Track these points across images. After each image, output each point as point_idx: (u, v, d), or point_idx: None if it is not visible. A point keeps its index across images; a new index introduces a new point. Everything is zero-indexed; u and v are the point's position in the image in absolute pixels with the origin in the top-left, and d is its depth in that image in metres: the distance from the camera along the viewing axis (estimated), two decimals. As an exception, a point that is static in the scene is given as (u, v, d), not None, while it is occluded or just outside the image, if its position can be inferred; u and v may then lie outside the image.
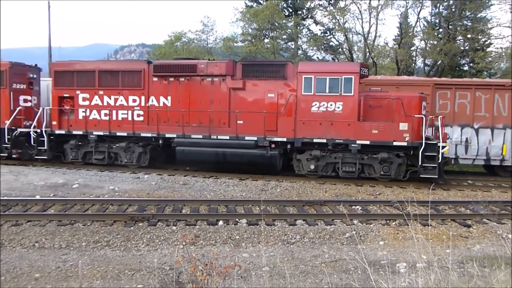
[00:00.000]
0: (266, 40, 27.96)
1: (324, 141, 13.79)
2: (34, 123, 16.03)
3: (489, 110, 15.22)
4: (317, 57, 29.20)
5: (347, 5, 27.18)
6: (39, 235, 8.20)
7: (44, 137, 15.89)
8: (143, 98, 15.50)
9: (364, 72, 13.89)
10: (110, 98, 15.72)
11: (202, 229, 8.59)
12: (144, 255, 7.40)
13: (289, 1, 28.96)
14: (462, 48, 26.48)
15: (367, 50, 26.66)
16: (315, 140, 13.84)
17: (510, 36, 29.54)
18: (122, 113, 15.67)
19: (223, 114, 14.85)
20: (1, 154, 16.44)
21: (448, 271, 4.14)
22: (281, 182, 13.70)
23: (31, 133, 15.95)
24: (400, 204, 10.00)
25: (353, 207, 10.55)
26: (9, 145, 16.33)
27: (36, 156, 16.13)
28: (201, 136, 14.83)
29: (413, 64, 27.57)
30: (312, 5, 29.21)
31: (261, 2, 29.27)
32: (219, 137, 14.68)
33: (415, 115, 13.18)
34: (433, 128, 14.16)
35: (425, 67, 27.69)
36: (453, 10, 26.69)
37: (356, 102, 13.40)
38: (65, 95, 16.11)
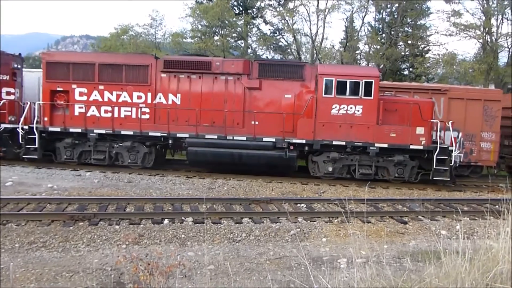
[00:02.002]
0: (216, 38, 27.80)
1: (344, 143, 13.85)
2: (22, 118, 14.41)
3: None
4: (266, 56, 29.48)
5: (296, 6, 27.74)
6: (-33, 236, 7.62)
7: (34, 135, 14.35)
8: (149, 95, 14.61)
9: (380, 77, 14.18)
10: (111, 94, 14.62)
11: (147, 228, 8.39)
12: (84, 256, 7.09)
13: (240, 0, 29.01)
14: (403, 53, 27.93)
15: (315, 51, 27.35)
16: (334, 142, 13.85)
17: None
18: (125, 110, 14.62)
19: (237, 114, 14.41)
20: None
21: (385, 266, 4.35)
22: (228, 180, 13.70)
23: (19, 129, 14.32)
24: (340, 202, 10.35)
25: (298, 205, 10.78)
26: None
27: (24, 155, 14.56)
28: (216, 137, 14.23)
29: (358, 67, 28.60)
30: (262, 5, 29.47)
31: (212, -2, 29.07)
32: (235, 137, 14.16)
33: (430, 120, 13.74)
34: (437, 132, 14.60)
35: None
36: (395, 16, 28.05)
37: (376, 106, 13.64)
38: (58, 88, 14.74)
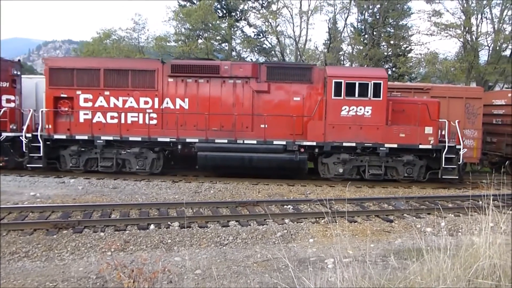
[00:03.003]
0: (200, 41, 27.73)
1: (354, 144, 13.89)
2: (25, 126, 14.05)
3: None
4: (251, 59, 29.53)
5: (279, 8, 27.84)
6: None
7: (38, 143, 14.02)
8: (156, 100, 14.39)
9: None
10: (117, 100, 14.36)
11: (133, 234, 8.30)
12: (68, 264, 6.97)
13: (223, 2, 29.00)
14: (385, 53, 28.25)
15: (299, 53, 27.48)
16: (344, 144, 13.88)
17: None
18: (132, 116, 14.38)
19: (246, 117, 14.33)
20: None
21: (370, 265, 4.37)
22: (214, 183, 13.65)
23: (22, 138, 13.97)
24: (327, 203, 10.38)
25: (285, 206, 10.79)
26: None
27: (28, 164, 14.18)
28: (226, 141, 14.11)
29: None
30: (246, 8, 29.51)
31: (195, 1, 28.99)
32: (245, 141, 14.07)
33: (438, 120, 13.88)
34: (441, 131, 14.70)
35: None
36: (378, 17, 28.38)
37: (385, 107, 13.74)
38: (62, 95, 14.42)
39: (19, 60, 16.20)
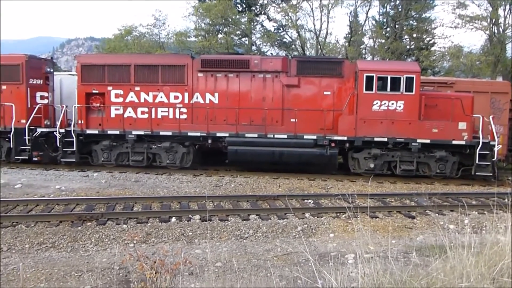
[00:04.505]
0: (219, 36, 27.79)
1: (385, 139, 13.76)
2: (59, 122, 14.55)
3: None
4: (271, 53, 29.44)
5: (299, 2, 27.60)
6: (-23, 238, 7.73)
7: (71, 138, 14.47)
8: (186, 94, 14.57)
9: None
10: (148, 95, 14.62)
11: (154, 226, 8.45)
12: (92, 255, 7.16)
13: (243, -3, 28.98)
14: (408, 47, 27.71)
15: (319, 47, 27.23)
16: (376, 139, 13.77)
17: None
18: (162, 111, 14.60)
19: (276, 111, 14.34)
20: (20, 157, 14.82)
21: (392, 261, 4.33)
22: (235, 177, 13.73)
23: (56, 133, 14.42)
24: (347, 198, 10.30)
25: (305, 201, 10.77)
26: (28, 147, 14.68)
27: (62, 159, 14.65)
28: (256, 135, 14.17)
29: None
30: (265, 1, 29.38)
31: (214, -4, 29.05)
32: (275, 135, 14.11)
33: (472, 115, 13.60)
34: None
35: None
36: (400, 10, 27.83)
37: (417, 101, 13.55)
38: (94, 91, 14.76)
39: (51, 58, 16.72)
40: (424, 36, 28.05)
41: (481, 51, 25.47)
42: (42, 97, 15.65)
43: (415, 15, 27.73)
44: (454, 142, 13.71)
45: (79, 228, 8.27)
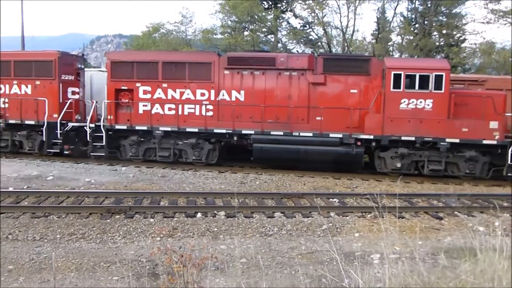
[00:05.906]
0: (245, 33, 27.86)
1: (413, 138, 13.52)
2: (89, 117, 14.99)
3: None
4: (297, 50, 29.30)
5: (326, -1, 27.35)
6: (12, 227, 8.04)
7: (101, 133, 14.73)
8: (212, 92, 14.65)
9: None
10: (175, 92, 14.75)
11: (180, 221, 8.58)
12: (120, 247, 7.34)
13: (269, -6, 28.91)
14: (437, 43, 27.05)
15: (346, 44, 26.94)
16: (403, 138, 13.54)
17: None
18: (188, 108, 14.72)
19: (301, 109, 14.30)
20: (51, 150, 15.35)
21: (419, 262, 4.27)
22: (260, 175, 13.76)
23: (87, 128, 14.81)
24: (373, 197, 10.18)
25: (331, 199, 10.70)
26: (60, 141, 15.21)
27: (92, 153, 15.03)
28: (281, 133, 14.16)
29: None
30: (292, -1, 29.24)
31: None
32: (301, 133, 14.09)
33: (504, 114, 13.27)
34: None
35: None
36: (429, 5, 27.20)
37: (447, 100, 13.22)
38: (123, 87, 14.98)
39: (82, 54, 17.21)
40: (454, 32, 27.30)
41: (514, 47, 24.62)
42: (73, 93, 16.11)
43: (445, 11, 27.05)
44: (484, 141, 13.29)
45: (108, 220, 8.50)
